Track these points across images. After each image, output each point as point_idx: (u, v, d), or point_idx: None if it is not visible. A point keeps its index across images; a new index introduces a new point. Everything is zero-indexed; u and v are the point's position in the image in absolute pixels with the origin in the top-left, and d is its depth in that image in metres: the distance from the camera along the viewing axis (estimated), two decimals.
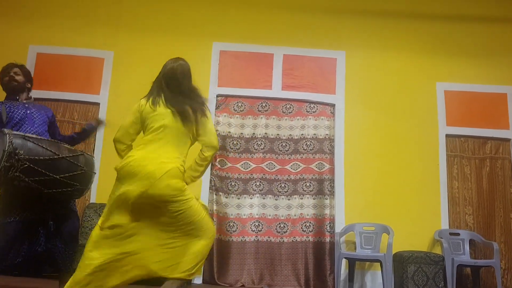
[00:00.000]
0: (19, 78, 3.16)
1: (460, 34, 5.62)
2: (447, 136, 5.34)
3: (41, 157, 2.67)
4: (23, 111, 3.06)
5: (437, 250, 4.95)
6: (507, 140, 5.37)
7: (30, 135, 2.76)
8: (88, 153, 3.03)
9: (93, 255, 2.41)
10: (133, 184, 2.41)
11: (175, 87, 2.65)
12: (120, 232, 2.45)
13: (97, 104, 5.26)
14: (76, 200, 4.85)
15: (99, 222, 2.53)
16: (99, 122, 3.50)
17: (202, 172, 2.65)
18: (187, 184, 2.55)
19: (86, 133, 3.43)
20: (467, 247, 4.90)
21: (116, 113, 5.22)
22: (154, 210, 2.45)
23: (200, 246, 2.47)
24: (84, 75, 5.36)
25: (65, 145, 2.90)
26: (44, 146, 2.71)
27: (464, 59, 5.55)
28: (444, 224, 5.07)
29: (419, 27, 5.64)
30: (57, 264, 2.95)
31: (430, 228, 5.03)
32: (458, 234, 4.96)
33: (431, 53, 5.56)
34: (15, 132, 2.67)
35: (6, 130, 2.62)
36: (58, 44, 5.40)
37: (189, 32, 5.54)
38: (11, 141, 2.55)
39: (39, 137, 2.84)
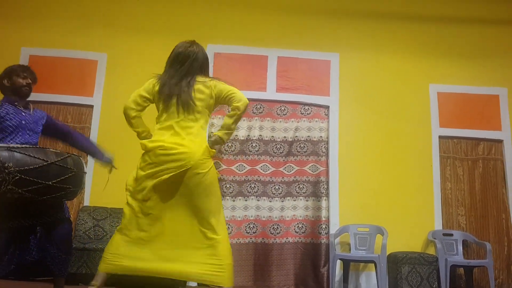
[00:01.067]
0: (32, 87, 3.09)
1: (453, 36, 5.67)
2: (440, 137, 5.38)
3: (30, 166, 2.63)
4: (18, 119, 2.97)
5: (431, 251, 4.98)
6: (500, 141, 5.42)
7: (14, 145, 2.70)
8: (75, 154, 2.99)
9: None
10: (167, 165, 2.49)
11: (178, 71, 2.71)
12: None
13: (91, 106, 5.24)
14: (69, 203, 4.85)
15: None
16: (110, 166, 3.45)
17: (232, 132, 2.72)
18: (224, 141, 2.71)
19: (96, 153, 3.38)
20: (460, 247, 4.93)
21: (110, 116, 5.21)
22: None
23: None
24: (78, 77, 5.33)
25: (51, 149, 2.86)
26: (31, 154, 2.66)
27: (456, 61, 5.59)
28: (438, 225, 5.11)
29: (413, 29, 5.68)
30: (50, 269, 2.93)
31: (423, 229, 5.07)
32: (451, 235, 5.00)
33: (424, 55, 5.60)
34: None
35: None
36: (51, 46, 5.36)
37: (183, 34, 5.49)
38: None
39: (23, 145, 2.77)
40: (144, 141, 2.62)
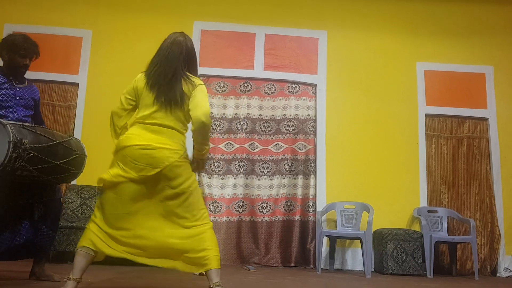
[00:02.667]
0: (28, 66, 2.94)
1: (440, 14, 5.65)
2: (426, 115, 5.42)
3: (43, 144, 2.63)
4: (12, 94, 2.87)
5: (416, 227, 5.07)
6: (485, 119, 5.47)
7: (25, 124, 2.69)
8: (75, 137, 3.00)
9: None
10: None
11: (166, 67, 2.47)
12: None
13: (76, 84, 5.18)
14: None
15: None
16: None
17: (202, 147, 2.50)
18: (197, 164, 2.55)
19: None
20: (444, 224, 5.02)
21: (95, 94, 5.17)
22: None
23: None
24: (62, 54, 5.26)
25: (55, 131, 2.87)
26: (41, 133, 2.68)
27: (443, 39, 5.59)
28: (423, 202, 5.19)
29: (400, 7, 5.65)
30: (34, 247, 2.94)
31: (409, 206, 5.15)
32: (436, 212, 5.08)
33: (412, 33, 5.59)
34: (13, 122, 2.59)
35: (4, 121, 2.52)
36: (35, 22, 5.26)
37: (169, 11, 5.45)
38: (13, 131, 2.48)
39: (32, 125, 2.77)
40: (121, 138, 2.45)
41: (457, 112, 5.46)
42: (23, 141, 2.50)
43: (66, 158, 2.78)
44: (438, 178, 5.32)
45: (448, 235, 5.01)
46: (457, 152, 5.40)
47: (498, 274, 5.08)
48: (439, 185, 5.31)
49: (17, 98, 2.89)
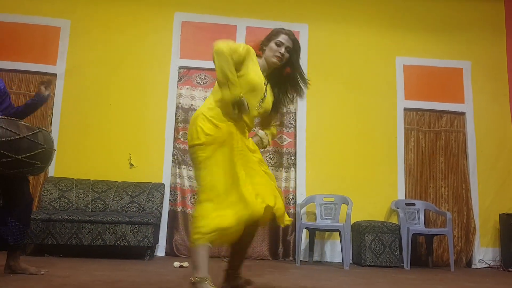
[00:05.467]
0: None
1: (419, 9, 5.71)
2: (405, 109, 5.49)
3: (3, 139, 2.57)
4: None
5: (394, 220, 5.14)
6: (462, 113, 5.57)
7: None
8: (45, 129, 2.93)
9: None
10: None
11: None
12: None
13: (54, 75, 5.08)
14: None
15: None
16: (46, 86, 3.16)
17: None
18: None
19: (36, 105, 3.18)
20: (422, 216, 5.11)
21: (73, 85, 5.09)
22: None
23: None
24: (40, 44, 5.15)
25: (23, 123, 2.79)
26: (3, 126, 2.60)
27: (423, 34, 5.66)
28: (401, 195, 5.27)
29: (380, 2, 5.69)
30: (5, 241, 2.89)
31: (387, 198, 5.22)
32: (413, 204, 5.16)
33: (392, 28, 5.64)
34: None
35: None
36: (12, 11, 5.15)
37: (150, 1, 5.39)
38: None
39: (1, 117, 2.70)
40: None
41: (435, 106, 5.54)
42: None
43: (30, 152, 2.71)
44: (416, 171, 5.40)
45: (425, 227, 5.10)
46: (435, 146, 5.49)
47: (473, 266, 5.19)
48: (417, 178, 5.39)
49: None
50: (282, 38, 2.53)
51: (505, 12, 5.81)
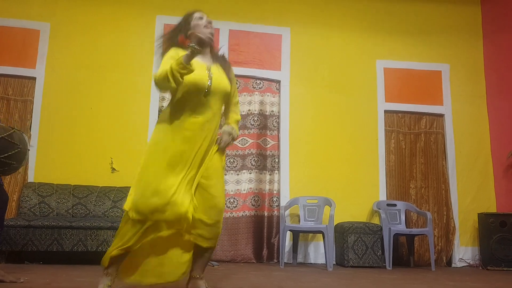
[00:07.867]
0: None
1: (399, 13, 5.81)
2: (385, 111, 5.56)
3: None
4: None
5: (376, 221, 5.20)
6: (441, 115, 5.66)
7: None
8: (18, 129, 2.90)
9: None
10: None
11: None
12: None
13: (33, 78, 5.00)
14: (13, 179, 4.67)
15: None
16: None
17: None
18: None
19: None
20: (403, 217, 5.18)
21: (53, 88, 5.02)
22: None
23: None
24: (19, 48, 5.06)
25: None
26: None
27: (402, 37, 5.75)
28: (382, 196, 5.33)
29: (361, 6, 5.76)
30: None
31: (369, 199, 5.28)
32: (394, 205, 5.23)
33: (372, 32, 5.71)
34: None
35: None
36: None
37: (131, 4, 5.35)
38: None
39: None
40: None
41: (415, 108, 5.63)
42: None
43: (8, 153, 2.69)
44: (397, 172, 5.48)
45: (406, 227, 5.17)
46: (415, 147, 5.57)
47: (453, 265, 5.29)
48: (398, 179, 5.47)
49: None
50: (197, 14, 2.59)
51: (482, 16, 5.94)
